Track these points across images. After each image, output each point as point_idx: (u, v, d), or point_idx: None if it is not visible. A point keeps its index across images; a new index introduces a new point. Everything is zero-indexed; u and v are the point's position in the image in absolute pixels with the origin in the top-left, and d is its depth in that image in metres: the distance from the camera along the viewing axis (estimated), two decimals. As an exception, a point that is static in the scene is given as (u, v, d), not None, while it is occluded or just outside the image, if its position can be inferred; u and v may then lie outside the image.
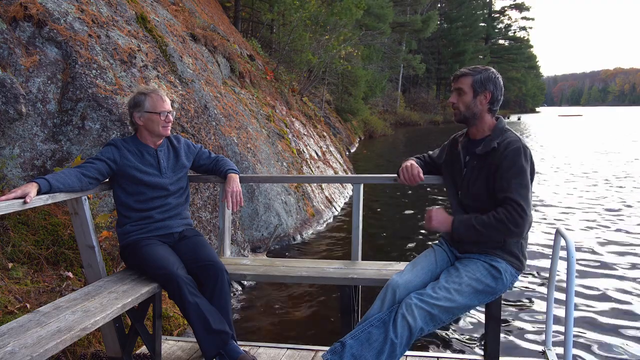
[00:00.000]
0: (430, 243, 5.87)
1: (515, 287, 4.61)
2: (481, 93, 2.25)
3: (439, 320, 2.13)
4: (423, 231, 7.06)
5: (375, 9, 24.84)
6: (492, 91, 2.26)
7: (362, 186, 2.91)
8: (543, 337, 3.23)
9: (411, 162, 2.54)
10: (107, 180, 2.60)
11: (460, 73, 2.30)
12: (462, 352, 3.50)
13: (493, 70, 2.29)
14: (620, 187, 10.30)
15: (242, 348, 2.46)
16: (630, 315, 4.11)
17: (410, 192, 10.13)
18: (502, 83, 2.30)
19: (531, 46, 67.86)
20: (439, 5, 51.86)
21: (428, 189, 10.30)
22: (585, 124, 45.95)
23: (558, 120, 59.94)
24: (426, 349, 3.53)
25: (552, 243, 2.55)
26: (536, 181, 11.03)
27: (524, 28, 67.36)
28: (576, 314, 4.01)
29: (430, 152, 2.67)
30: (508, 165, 2.15)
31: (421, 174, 2.49)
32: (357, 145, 21.71)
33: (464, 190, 2.32)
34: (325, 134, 12.70)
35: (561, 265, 3.35)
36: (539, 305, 4.28)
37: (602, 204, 8.53)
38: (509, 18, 75.43)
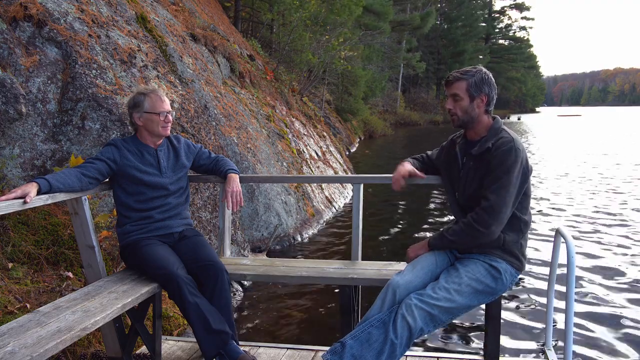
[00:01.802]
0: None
1: (515, 287, 4.61)
2: (477, 97, 2.22)
3: (439, 320, 2.13)
4: (423, 231, 7.06)
5: (375, 6, 24.82)
6: (487, 93, 2.23)
7: (362, 186, 2.91)
8: (543, 337, 3.23)
9: (403, 164, 2.50)
10: (107, 180, 2.60)
11: (454, 77, 2.25)
12: (462, 352, 3.49)
13: (485, 70, 2.26)
14: (620, 187, 10.30)
15: (242, 348, 2.46)
16: (630, 315, 4.11)
17: (410, 191, 10.13)
18: (494, 81, 2.28)
19: (531, 46, 67.86)
20: (438, 5, 51.83)
21: (428, 190, 10.29)
22: (584, 124, 45.94)
23: (557, 120, 59.93)
24: (426, 349, 3.53)
25: (552, 243, 2.55)
26: (536, 181, 11.05)
27: (524, 28, 67.35)
28: (576, 313, 4.01)
29: (429, 152, 2.67)
30: (495, 165, 2.15)
31: (402, 182, 2.47)
32: (357, 145, 21.70)
33: (461, 191, 2.32)
34: (325, 134, 12.70)
35: (561, 266, 3.35)
36: (539, 305, 4.28)
37: (602, 204, 8.53)
38: (509, 18, 75.31)
